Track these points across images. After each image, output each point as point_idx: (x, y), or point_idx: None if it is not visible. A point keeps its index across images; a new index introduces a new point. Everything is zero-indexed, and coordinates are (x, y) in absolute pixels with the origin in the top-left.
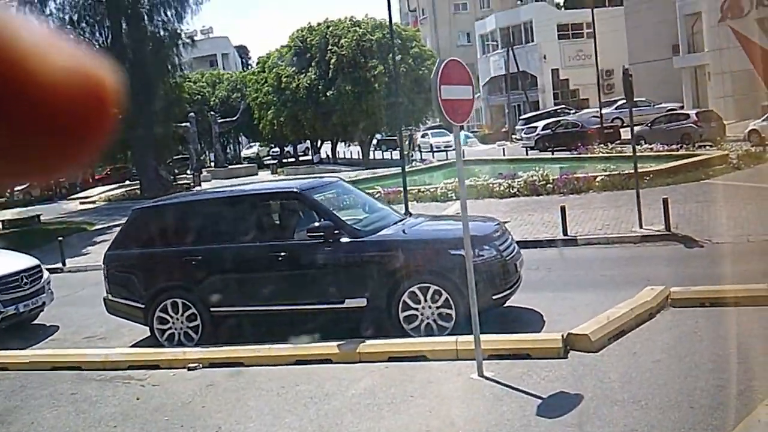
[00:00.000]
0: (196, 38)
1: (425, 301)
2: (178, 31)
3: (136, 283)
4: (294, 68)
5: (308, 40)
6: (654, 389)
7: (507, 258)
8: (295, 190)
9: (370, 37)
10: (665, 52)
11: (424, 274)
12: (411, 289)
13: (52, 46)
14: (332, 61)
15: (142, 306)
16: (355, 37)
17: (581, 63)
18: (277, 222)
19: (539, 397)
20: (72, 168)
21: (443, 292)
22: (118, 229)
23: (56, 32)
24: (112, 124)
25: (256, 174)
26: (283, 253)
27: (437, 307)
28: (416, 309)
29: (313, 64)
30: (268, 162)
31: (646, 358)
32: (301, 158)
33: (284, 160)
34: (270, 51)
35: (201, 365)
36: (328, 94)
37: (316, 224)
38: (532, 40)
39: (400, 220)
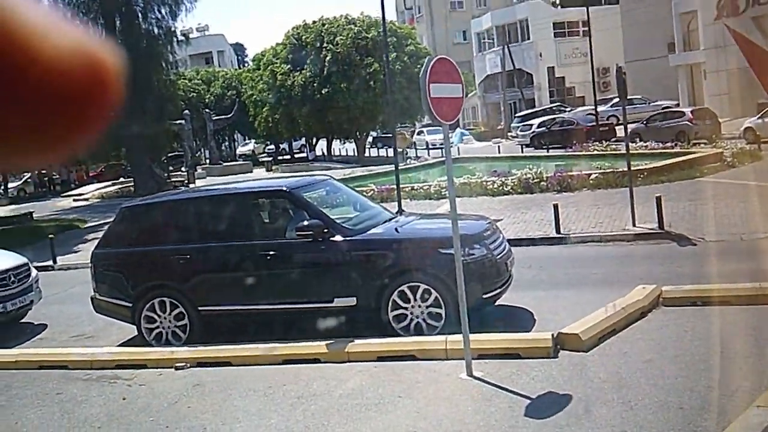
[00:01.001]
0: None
1: (415, 300)
2: (173, 28)
3: (123, 281)
4: (289, 66)
5: (303, 37)
6: (644, 390)
7: (497, 257)
8: (284, 188)
9: (365, 35)
10: (661, 50)
11: (414, 273)
12: (400, 288)
13: (53, 28)
14: (327, 58)
15: (130, 305)
16: (350, 35)
17: (577, 61)
18: (266, 221)
19: (528, 398)
20: (73, 152)
21: (433, 291)
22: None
23: (57, 15)
24: (113, 107)
25: (251, 171)
26: (271, 252)
27: (427, 307)
28: (406, 308)
29: (308, 61)
30: (264, 159)
31: (637, 358)
32: (296, 155)
33: (279, 158)
34: (265, 48)
35: (188, 365)
36: (323, 91)
37: (305, 223)
38: (528, 38)
39: (391, 219)
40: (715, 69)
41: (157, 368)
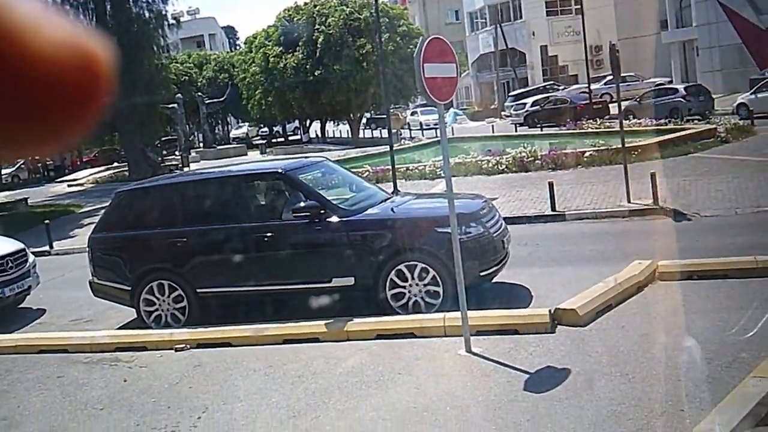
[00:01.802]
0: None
1: (412, 278)
2: (163, 12)
3: (121, 265)
4: (281, 48)
5: (295, 19)
6: (642, 363)
7: (494, 235)
8: (280, 170)
9: (357, 15)
10: (654, 27)
11: (411, 252)
12: (398, 267)
13: (46, 20)
14: (320, 40)
15: (128, 288)
16: (342, 16)
17: (570, 39)
18: (263, 202)
19: (527, 372)
20: (67, 142)
21: (430, 269)
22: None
23: (50, 7)
24: (106, 98)
25: (245, 154)
26: (269, 234)
27: (425, 285)
28: (404, 287)
29: (300, 43)
30: (258, 142)
31: (634, 331)
32: (290, 138)
33: (273, 140)
34: (257, 31)
35: (188, 346)
36: (316, 73)
37: (302, 204)
38: (521, 17)
39: (387, 199)
40: (708, 45)
41: (157, 350)
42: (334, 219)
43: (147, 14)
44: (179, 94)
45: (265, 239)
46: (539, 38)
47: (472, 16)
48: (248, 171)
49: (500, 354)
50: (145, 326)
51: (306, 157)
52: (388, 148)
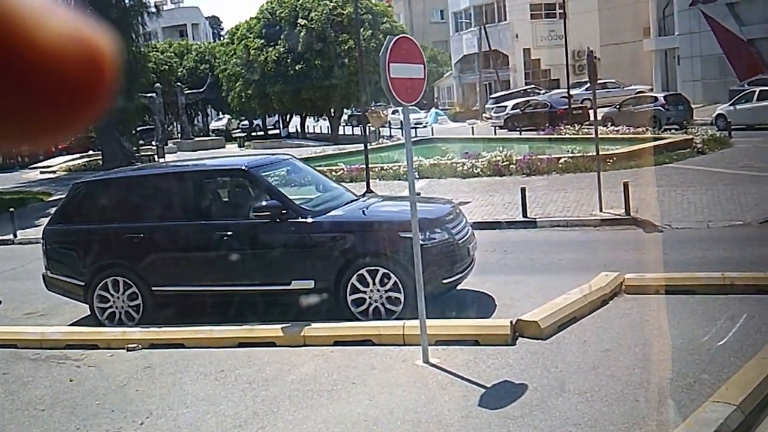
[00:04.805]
0: (165, 8)
1: (374, 284)
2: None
3: (76, 259)
4: (263, 41)
5: (278, 12)
6: (601, 380)
7: (460, 241)
8: (242, 167)
9: (341, 11)
10: (636, 35)
11: (373, 257)
12: (359, 272)
13: (49, 12)
14: (302, 34)
15: (82, 283)
16: (325, 11)
17: (553, 43)
18: (224, 200)
19: (483, 387)
20: (70, 133)
21: (392, 275)
22: None
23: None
24: (109, 90)
25: (224, 147)
26: (228, 233)
27: (386, 291)
28: (364, 292)
29: (282, 37)
30: (237, 135)
31: (596, 347)
32: (270, 132)
33: (253, 134)
34: (240, 22)
35: (141, 346)
36: (297, 68)
37: (264, 203)
38: (505, 19)
39: (353, 201)
40: (689, 55)
41: (108, 349)
42: (296, 220)
43: (127, 1)
44: (158, 84)
45: (225, 238)
46: (522, 41)
47: (457, 16)
48: (210, 167)
49: (458, 366)
50: (99, 323)
51: (273, 154)
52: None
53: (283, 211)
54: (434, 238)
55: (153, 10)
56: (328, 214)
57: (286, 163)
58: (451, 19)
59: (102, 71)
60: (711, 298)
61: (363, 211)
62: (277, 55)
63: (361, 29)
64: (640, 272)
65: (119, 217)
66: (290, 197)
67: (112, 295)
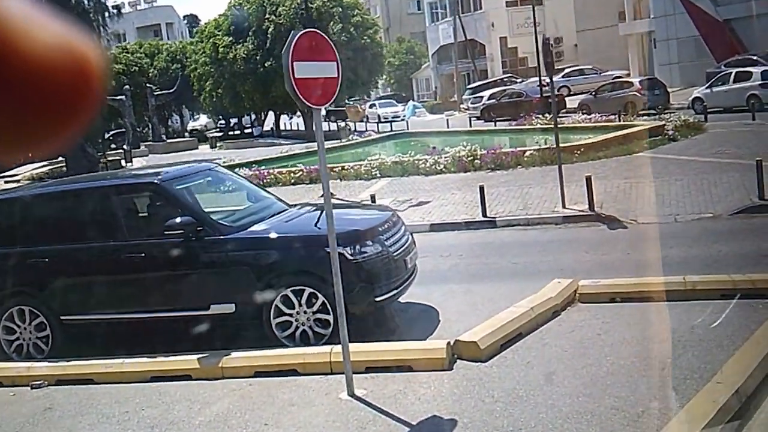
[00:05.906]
0: (139, 7)
1: (300, 305)
2: (102, 1)
3: None
4: (231, 38)
5: (245, 8)
6: (539, 412)
7: (395, 253)
8: (154, 181)
9: (309, 5)
10: (612, 19)
11: (298, 276)
12: (284, 293)
13: (37, 22)
14: (270, 30)
15: None
16: (293, 6)
17: (529, 31)
18: (136, 217)
19: (409, 425)
20: (59, 142)
21: (319, 295)
22: None
23: (40, 10)
24: (97, 99)
25: (196, 148)
26: (141, 254)
27: (313, 313)
28: (290, 315)
29: (250, 33)
30: (211, 135)
31: (540, 369)
32: (246, 131)
33: (230, 133)
34: (209, 20)
35: (46, 383)
36: (266, 64)
37: (177, 220)
38: (480, 8)
39: (281, 212)
40: (665, 38)
41: (12, 386)
42: (213, 237)
43: (87, 3)
44: (127, 86)
45: (137, 260)
46: (498, 30)
47: (432, 6)
48: (119, 181)
49: (385, 398)
50: (6, 357)
51: (201, 161)
52: (335, 142)
53: (199, 228)
54: (365, 252)
55: (113, 11)
56: (248, 230)
57: (207, 173)
58: (426, 9)
59: (88, 79)
60: (671, 306)
61: (288, 225)
62: (245, 52)
63: (331, 23)
64: (599, 276)
65: (21, 239)
66: (208, 211)
67: (18, 326)
